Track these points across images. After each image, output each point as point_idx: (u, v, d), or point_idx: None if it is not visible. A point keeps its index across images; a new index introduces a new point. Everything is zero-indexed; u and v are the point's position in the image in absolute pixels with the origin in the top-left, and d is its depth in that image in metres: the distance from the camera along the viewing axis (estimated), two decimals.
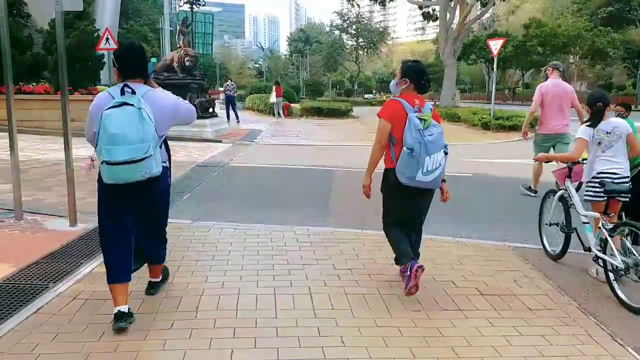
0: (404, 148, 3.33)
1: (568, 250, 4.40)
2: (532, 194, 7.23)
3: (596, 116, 4.02)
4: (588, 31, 41.54)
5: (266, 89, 30.97)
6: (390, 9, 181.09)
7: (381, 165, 3.62)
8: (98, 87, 15.15)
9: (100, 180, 2.94)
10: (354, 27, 66.40)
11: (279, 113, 23.02)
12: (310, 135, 15.74)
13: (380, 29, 66.50)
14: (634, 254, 3.45)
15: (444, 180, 3.55)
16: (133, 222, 3.08)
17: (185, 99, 3.60)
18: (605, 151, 3.98)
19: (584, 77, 53.81)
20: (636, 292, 3.50)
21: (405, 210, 3.64)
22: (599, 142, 4.00)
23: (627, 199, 3.88)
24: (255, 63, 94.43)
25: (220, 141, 13.71)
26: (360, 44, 67.15)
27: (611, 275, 3.64)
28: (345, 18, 67.16)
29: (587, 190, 4.06)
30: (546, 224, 4.62)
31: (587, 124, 4.08)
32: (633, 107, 12.39)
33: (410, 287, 3.30)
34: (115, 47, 14.71)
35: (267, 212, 6.14)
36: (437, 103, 34.28)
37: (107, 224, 3.03)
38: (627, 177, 3.96)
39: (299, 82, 61.29)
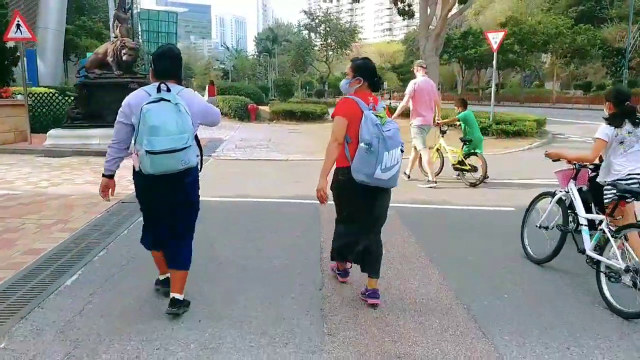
0: (362, 144, 3.24)
1: None
2: (433, 184, 7.73)
3: (627, 116, 3.88)
4: (569, 29, 39.96)
5: (230, 90, 27.88)
6: (357, 9, 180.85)
7: None
8: (11, 88, 11.99)
9: (137, 173, 3.17)
10: (322, 26, 64.13)
11: None
12: (283, 145, 12.88)
13: (351, 29, 64.12)
14: (634, 258, 3.40)
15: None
16: (167, 219, 3.27)
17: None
18: (628, 151, 3.88)
19: (557, 76, 52.65)
20: (626, 297, 3.39)
21: (361, 215, 3.44)
22: (622, 142, 3.88)
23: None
24: (221, 63, 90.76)
25: None
26: (330, 43, 64.88)
27: (603, 278, 3.57)
28: (314, 17, 64.81)
29: (606, 191, 3.94)
30: (536, 226, 4.45)
31: (608, 122, 3.93)
32: None
33: (370, 303, 3.44)
34: (29, 36, 11.55)
35: (217, 326, 3.29)
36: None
37: (147, 211, 3.38)
38: None
39: (267, 82, 58.28)
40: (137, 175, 3.19)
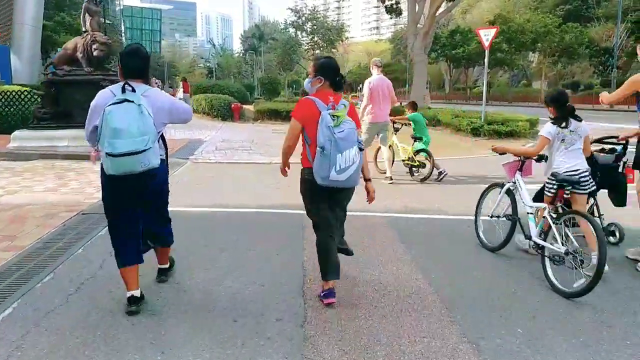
0: (318, 147, 3.25)
1: None
2: (390, 181, 8.01)
3: (569, 116, 4.20)
4: (557, 27, 39.76)
5: (213, 88, 27.08)
6: (344, 8, 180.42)
7: None
8: None
9: (103, 173, 3.16)
10: (309, 24, 63.47)
11: None
12: (267, 147, 12.22)
13: (339, 27, 63.58)
14: (573, 242, 3.76)
15: (368, 180, 3.62)
16: (137, 210, 3.32)
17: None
18: (569, 148, 4.17)
19: (545, 75, 52.53)
20: (568, 278, 3.69)
21: (324, 212, 3.51)
22: (563, 139, 4.18)
23: (586, 192, 4.19)
24: (205, 61, 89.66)
25: None
26: (317, 42, 64.23)
27: (547, 262, 3.88)
28: (301, 14, 64.11)
29: (548, 184, 4.28)
30: (489, 216, 4.69)
31: (553, 122, 4.23)
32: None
33: (327, 303, 3.43)
34: None
35: None
36: (403, 104, 31.53)
37: (112, 213, 3.31)
38: (587, 170, 4.19)
39: (253, 80, 57.45)
40: (104, 175, 3.18)
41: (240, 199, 6.72)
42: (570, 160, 4.16)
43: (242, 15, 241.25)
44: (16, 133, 10.62)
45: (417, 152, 8.42)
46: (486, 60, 15.25)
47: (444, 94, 64.24)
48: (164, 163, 3.41)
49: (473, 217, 4.99)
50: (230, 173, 8.86)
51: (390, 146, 8.45)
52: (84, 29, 10.82)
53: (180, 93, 23.78)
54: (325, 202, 3.50)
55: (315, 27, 63.25)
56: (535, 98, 46.90)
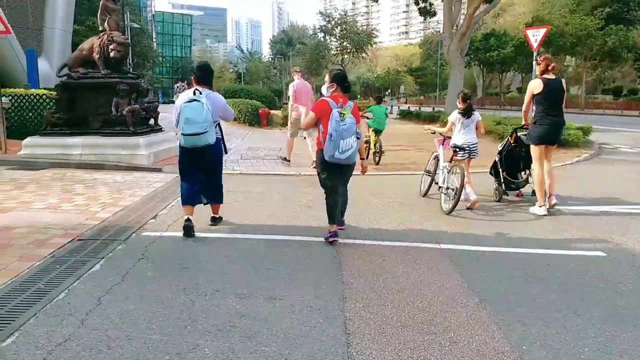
0: (328, 134, 4.58)
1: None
2: (287, 162, 10.26)
3: (469, 108, 6.62)
4: (599, 30, 37.68)
5: (241, 93, 26.33)
6: (373, 13, 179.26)
7: None
8: None
9: (180, 146, 5.04)
10: (338, 28, 62.55)
11: None
12: (295, 156, 11.20)
13: (370, 30, 62.46)
14: (454, 183, 6.15)
15: (363, 159, 5.17)
16: (198, 172, 5.14)
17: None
18: (465, 129, 6.63)
19: (580, 80, 50.09)
20: (446, 203, 6.23)
21: (332, 180, 4.93)
22: (462, 122, 6.62)
23: (469, 155, 6.65)
24: (234, 66, 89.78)
25: (159, 169, 9.16)
26: (346, 46, 63.24)
27: (442, 196, 6.41)
28: (330, 19, 63.27)
29: (454, 151, 6.67)
30: (424, 172, 7.35)
31: (459, 112, 6.63)
32: None
33: (331, 241, 4.84)
34: (4, 29, 10.10)
35: None
36: (437, 110, 30.14)
37: (183, 172, 5.18)
38: (476, 143, 6.65)
39: (281, 86, 56.79)
40: (180, 147, 5.05)
41: (262, 222, 5.72)
42: (465, 136, 6.63)
43: (271, 21, 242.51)
44: (27, 140, 9.90)
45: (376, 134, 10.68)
46: (534, 62, 13.86)
47: (477, 99, 62.32)
48: (220, 142, 5.23)
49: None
50: (255, 187, 7.89)
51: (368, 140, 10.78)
52: (101, 28, 10.05)
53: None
54: (334, 174, 4.89)
55: (344, 31, 62.30)
56: (574, 104, 44.76)
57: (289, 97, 10.14)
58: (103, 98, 9.82)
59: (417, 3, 32.32)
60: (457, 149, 6.57)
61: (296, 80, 10.12)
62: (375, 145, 10.59)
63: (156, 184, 7.91)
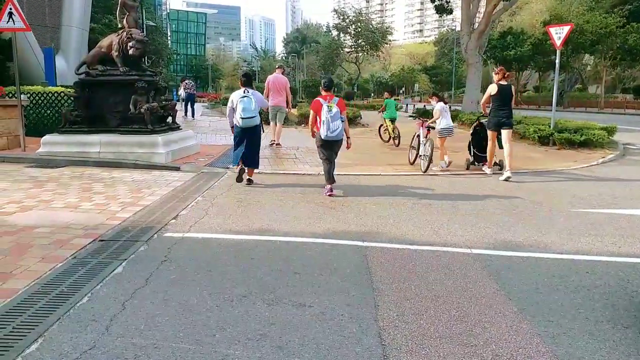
0: (321, 120, 6.85)
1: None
2: (279, 146, 12.66)
3: (443, 100, 9.94)
4: (620, 28, 36.93)
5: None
6: (387, 11, 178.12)
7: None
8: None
9: (236, 127, 7.54)
10: (353, 26, 62.10)
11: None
12: (312, 155, 11.05)
13: (385, 28, 61.92)
14: (428, 151, 9.09)
15: (348, 137, 7.26)
16: (246, 143, 7.49)
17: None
18: (446, 116, 9.64)
19: (600, 79, 49.11)
20: (424, 166, 9.11)
21: (327, 153, 7.15)
22: (446, 111, 9.65)
23: (447, 134, 9.70)
24: (248, 64, 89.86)
25: (177, 168, 9.08)
26: (361, 44, 62.78)
27: (422, 162, 9.22)
28: (345, 17, 62.84)
29: (439, 132, 9.63)
30: (409, 147, 10.15)
31: (442, 103, 9.73)
32: None
33: (329, 194, 6.96)
34: (23, 26, 10.08)
35: None
36: (454, 108, 29.69)
37: (238, 142, 7.55)
38: (452, 126, 9.82)
39: (295, 84, 56.65)
40: (236, 127, 7.54)
41: (283, 224, 5.57)
42: (445, 120, 9.59)
43: (284, 19, 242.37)
44: (46, 137, 9.89)
45: (392, 123, 13.83)
46: (557, 60, 13.56)
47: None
48: (260, 124, 7.70)
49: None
50: (273, 187, 7.76)
51: (381, 125, 14.59)
52: (119, 25, 9.99)
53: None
54: (327, 148, 7.12)
55: (359, 29, 61.85)
56: (594, 103, 44.04)
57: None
58: (121, 96, 9.77)
59: (433, 0, 31.98)
60: (443, 130, 9.56)
61: (275, 74, 12.78)
62: (393, 131, 13.66)
63: (175, 183, 7.82)
